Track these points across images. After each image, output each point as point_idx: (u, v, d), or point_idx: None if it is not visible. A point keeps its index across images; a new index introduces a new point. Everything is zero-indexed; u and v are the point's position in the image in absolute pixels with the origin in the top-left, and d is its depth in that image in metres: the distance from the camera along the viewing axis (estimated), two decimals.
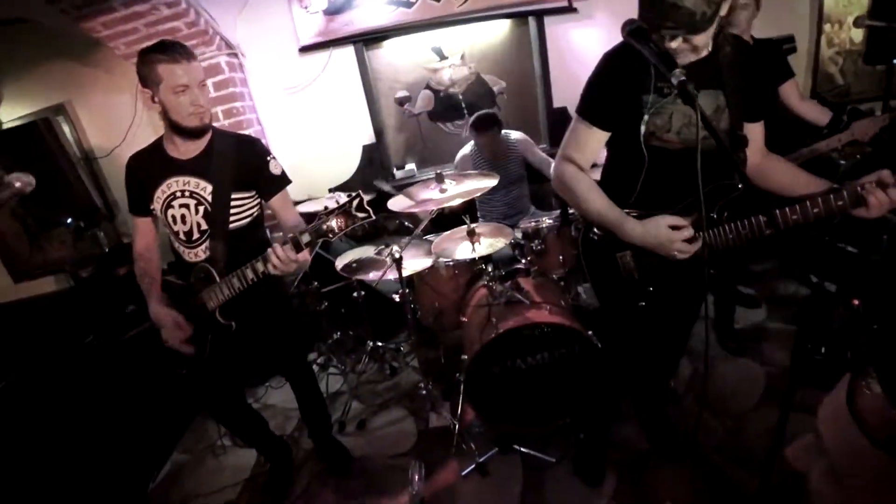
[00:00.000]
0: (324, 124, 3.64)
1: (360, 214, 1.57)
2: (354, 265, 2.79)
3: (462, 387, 2.35)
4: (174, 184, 1.76)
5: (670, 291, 1.56)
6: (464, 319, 2.64)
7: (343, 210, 1.56)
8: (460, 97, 3.79)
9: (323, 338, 3.29)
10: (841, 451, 1.24)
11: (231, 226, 1.79)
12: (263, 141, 3.44)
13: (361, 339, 3.25)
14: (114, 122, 3.48)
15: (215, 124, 2.93)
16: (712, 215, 1.45)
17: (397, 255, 2.38)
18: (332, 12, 3.32)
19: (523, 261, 2.65)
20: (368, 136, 3.75)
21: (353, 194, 1.57)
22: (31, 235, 3.57)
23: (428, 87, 3.77)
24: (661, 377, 2.12)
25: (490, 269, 2.52)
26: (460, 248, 2.57)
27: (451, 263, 2.74)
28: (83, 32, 2.70)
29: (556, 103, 3.71)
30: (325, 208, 1.59)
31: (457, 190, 2.41)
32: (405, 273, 2.47)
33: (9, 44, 3.32)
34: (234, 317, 1.82)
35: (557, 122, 3.72)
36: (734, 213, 1.44)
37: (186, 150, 1.76)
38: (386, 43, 3.59)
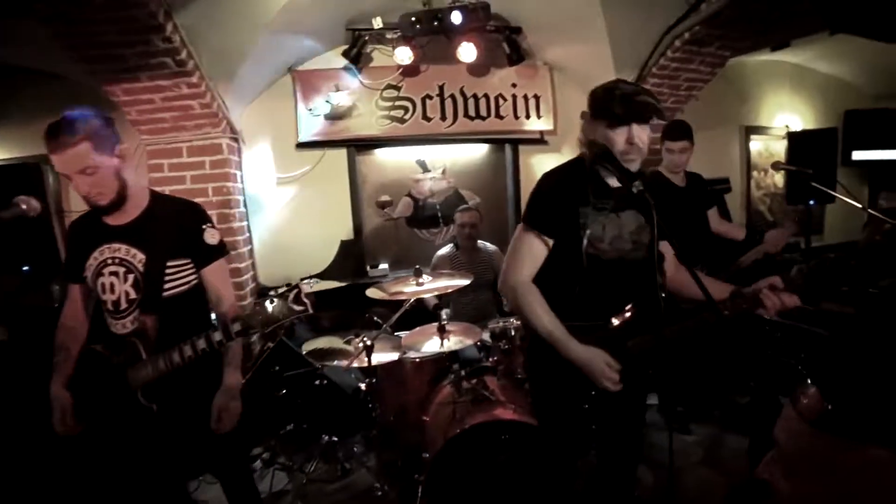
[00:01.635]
0: (307, 215, 3.81)
1: (297, 307, 1.51)
2: (320, 352, 2.78)
3: (421, 488, 2.26)
4: (106, 251, 1.70)
5: (611, 397, 1.60)
6: (426, 419, 2.59)
7: (280, 301, 1.49)
8: (438, 207, 4.08)
9: (273, 430, 3.10)
10: (789, 444, 1.52)
11: (166, 293, 1.70)
12: (244, 223, 3.56)
13: (315, 434, 3.04)
14: None
15: (202, 199, 2.98)
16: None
17: (368, 342, 2.41)
18: (332, 117, 3.66)
19: (490, 360, 2.71)
20: (347, 232, 3.91)
21: (293, 285, 1.51)
22: None
23: (409, 194, 4.05)
24: (624, 488, 2.08)
25: (456, 367, 2.56)
26: (429, 342, 2.63)
27: (418, 360, 2.75)
28: (101, 93, 2.87)
29: None
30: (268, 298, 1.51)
31: (433, 285, 2.54)
32: (373, 363, 2.47)
33: (21, 88, 3.46)
34: (157, 399, 1.65)
35: None
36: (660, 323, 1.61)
37: (120, 217, 1.70)
38: (376, 151, 3.93)
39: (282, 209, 3.76)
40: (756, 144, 4.70)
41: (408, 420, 2.74)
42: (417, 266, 2.60)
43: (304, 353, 2.77)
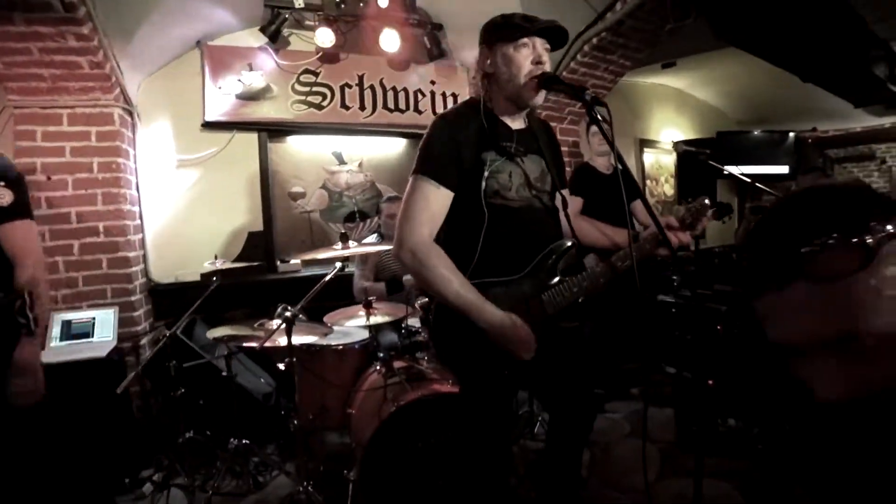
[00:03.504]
0: (211, 203, 3.48)
1: (21, 320, 1.55)
2: (227, 338, 2.49)
3: (352, 486, 2.06)
4: None
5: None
6: (352, 411, 2.38)
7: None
8: (354, 201, 3.95)
9: (168, 442, 2.64)
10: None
11: None
12: (135, 208, 3.17)
13: (221, 442, 2.61)
14: None
15: (85, 176, 2.76)
16: (555, 275, 1.50)
17: (289, 315, 2.20)
18: (244, 97, 3.43)
19: (422, 335, 2.58)
20: (256, 224, 3.64)
21: (17, 294, 1.55)
22: None
23: (324, 186, 3.89)
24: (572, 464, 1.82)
25: (381, 355, 2.41)
26: (353, 320, 2.47)
27: (340, 347, 2.56)
28: None
29: None
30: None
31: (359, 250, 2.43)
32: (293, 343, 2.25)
33: None
34: None
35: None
36: (568, 270, 1.53)
37: None
38: (290, 138, 3.74)
39: (181, 195, 3.40)
40: (649, 157, 5.20)
41: (330, 418, 2.48)
42: (343, 231, 2.45)
43: (211, 338, 2.47)
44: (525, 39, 1.42)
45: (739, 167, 5.37)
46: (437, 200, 1.42)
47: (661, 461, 2.55)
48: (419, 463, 2.04)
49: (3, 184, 1.64)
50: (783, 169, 5.51)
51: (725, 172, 3.26)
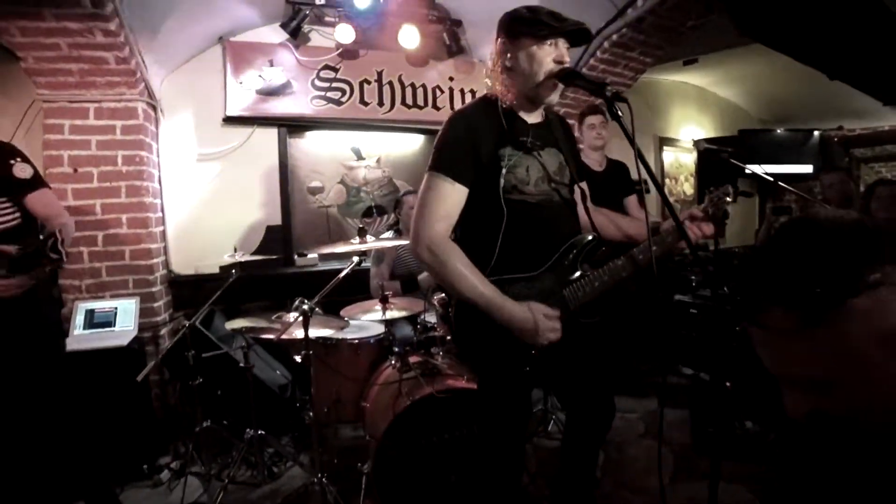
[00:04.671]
0: (231, 197, 3.53)
1: (53, 255, 1.68)
2: (245, 329, 2.52)
3: (366, 478, 2.07)
4: None
5: (554, 351, 1.46)
6: (366, 405, 2.40)
7: (35, 247, 1.67)
8: (372, 197, 3.97)
9: (186, 430, 2.68)
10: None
11: None
12: (157, 200, 3.23)
13: (237, 432, 2.65)
14: None
15: (109, 168, 2.87)
16: (576, 270, 1.50)
17: (306, 308, 2.22)
18: (265, 93, 3.47)
19: (438, 330, 2.59)
20: (275, 218, 3.67)
21: (49, 233, 1.70)
22: None
23: (342, 182, 3.91)
24: (586, 460, 1.78)
25: (396, 349, 2.42)
26: (370, 314, 2.48)
27: (356, 341, 2.57)
28: None
29: None
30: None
31: (377, 244, 2.44)
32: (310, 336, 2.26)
33: None
34: None
35: None
36: (591, 264, 1.52)
37: None
38: (309, 133, 3.76)
39: (202, 188, 3.45)
40: (668, 156, 5.13)
41: (345, 411, 2.50)
42: (361, 226, 2.46)
43: (229, 330, 2.50)
44: (551, 39, 1.41)
45: (762, 166, 5.29)
46: (452, 197, 1.41)
47: (675, 463, 2.53)
48: (432, 458, 2.05)
49: (19, 159, 1.91)
50: (807, 168, 5.38)
51: (747, 171, 3.21)
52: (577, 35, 1.47)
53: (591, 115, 3.06)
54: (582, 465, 1.72)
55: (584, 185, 1.62)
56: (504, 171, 1.42)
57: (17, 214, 1.95)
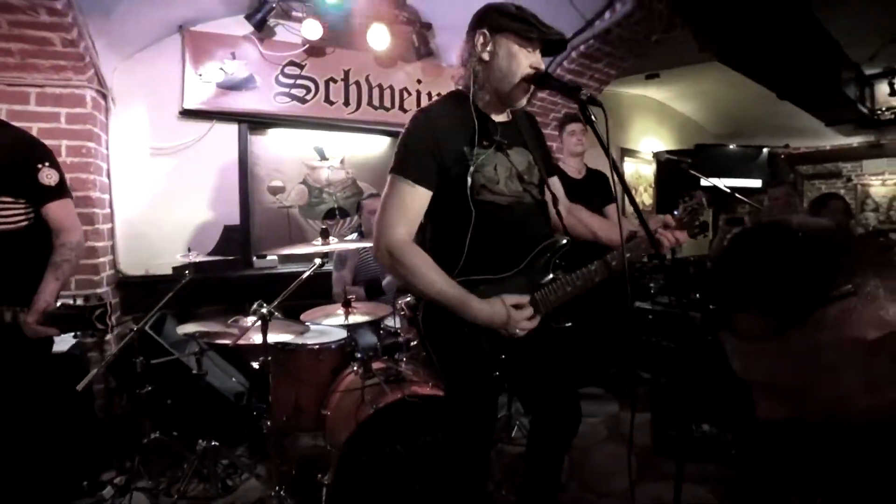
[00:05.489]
0: (186, 194, 3.36)
1: (99, 326, 1.64)
2: (198, 334, 2.40)
3: (325, 490, 1.98)
4: None
5: (523, 356, 1.48)
6: (327, 413, 2.31)
7: (80, 315, 1.61)
8: (334, 198, 3.88)
9: (132, 442, 2.50)
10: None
11: None
12: (105, 196, 3.04)
13: (188, 443, 2.50)
14: None
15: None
16: (549, 273, 1.48)
17: (265, 311, 2.13)
18: (226, 86, 3.32)
19: (402, 335, 2.53)
20: (232, 217, 3.53)
21: (98, 303, 1.64)
22: None
23: (304, 182, 3.81)
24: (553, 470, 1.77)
25: (358, 355, 2.35)
26: (332, 318, 2.41)
27: (316, 347, 2.48)
28: None
29: None
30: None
31: (338, 246, 2.37)
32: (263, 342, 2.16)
33: None
34: None
35: None
36: (565, 268, 1.51)
37: None
38: (271, 131, 3.64)
39: (155, 184, 3.26)
40: (629, 166, 5.28)
41: (305, 419, 2.39)
42: (324, 227, 2.39)
43: (181, 335, 2.37)
44: (534, 44, 1.41)
45: (716, 179, 5.53)
46: (413, 201, 1.38)
47: (638, 466, 2.56)
48: (396, 467, 1.99)
49: (48, 164, 1.83)
50: (756, 182, 5.66)
51: (704, 183, 3.34)
52: (554, 45, 1.47)
53: (571, 122, 3.11)
54: (548, 470, 1.71)
55: (553, 179, 1.61)
56: (472, 169, 1.39)
57: (32, 216, 1.84)
